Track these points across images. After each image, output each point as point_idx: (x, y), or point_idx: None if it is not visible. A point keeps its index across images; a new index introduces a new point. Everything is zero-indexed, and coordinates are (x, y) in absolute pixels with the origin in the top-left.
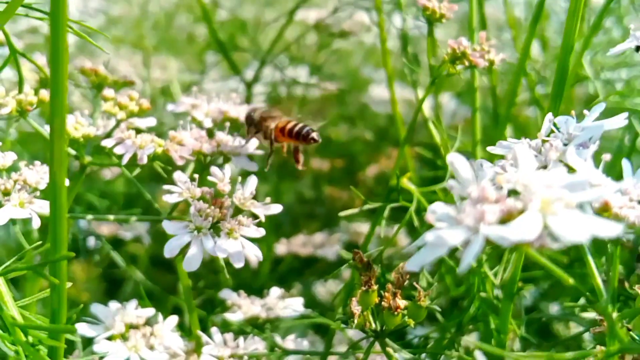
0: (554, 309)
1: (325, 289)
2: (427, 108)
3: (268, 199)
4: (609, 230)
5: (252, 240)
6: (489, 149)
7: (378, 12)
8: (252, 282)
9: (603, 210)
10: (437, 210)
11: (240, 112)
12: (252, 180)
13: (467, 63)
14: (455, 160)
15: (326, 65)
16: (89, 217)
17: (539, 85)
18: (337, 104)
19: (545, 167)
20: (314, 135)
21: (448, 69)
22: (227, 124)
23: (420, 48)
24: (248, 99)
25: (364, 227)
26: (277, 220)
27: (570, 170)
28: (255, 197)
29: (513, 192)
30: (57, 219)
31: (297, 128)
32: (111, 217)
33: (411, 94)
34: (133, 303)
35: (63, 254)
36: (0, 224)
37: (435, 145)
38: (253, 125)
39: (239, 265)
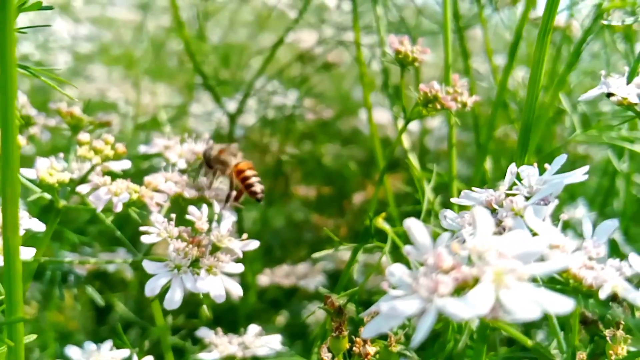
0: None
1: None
2: (414, 132)
3: (244, 235)
4: (561, 306)
5: (233, 275)
6: (453, 200)
7: (357, 47)
8: (235, 312)
9: (562, 271)
10: (394, 273)
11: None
12: (229, 218)
13: (439, 106)
14: (412, 225)
15: (317, 88)
16: (68, 259)
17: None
18: (328, 127)
19: (503, 222)
20: (259, 195)
21: (421, 111)
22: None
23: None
24: (231, 133)
25: (347, 255)
26: (266, 245)
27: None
28: (241, 225)
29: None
30: (12, 282)
31: (248, 181)
32: (92, 259)
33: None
34: (107, 344)
35: (18, 317)
36: None
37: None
38: (211, 164)
39: (220, 301)
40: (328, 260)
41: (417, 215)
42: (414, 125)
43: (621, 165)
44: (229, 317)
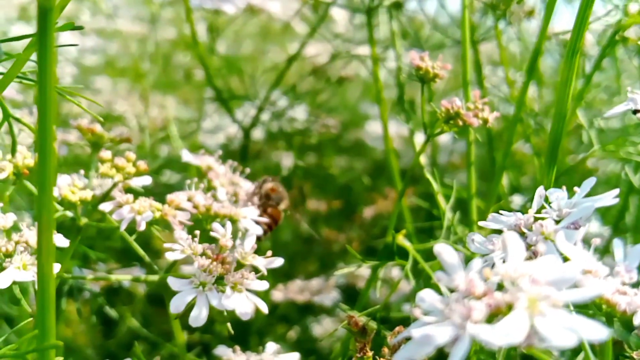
0: None
1: (322, 328)
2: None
3: (269, 252)
4: (597, 333)
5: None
6: (481, 223)
7: (373, 62)
8: (245, 327)
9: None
10: (425, 299)
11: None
12: (252, 234)
13: (461, 123)
14: (442, 250)
15: (326, 100)
16: (90, 277)
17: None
18: (336, 140)
19: (534, 247)
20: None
21: (442, 128)
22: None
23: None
24: (245, 147)
25: (361, 270)
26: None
27: (562, 254)
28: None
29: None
30: (45, 308)
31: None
32: (112, 277)
33: (406, 130)
34: None
35: (51, 343)
36: (2, 287)
37: (429, 192)
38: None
39: (246, 318)
40: (340, 276)
41: (433, 231)
42: (422, 138)
43: (636, 180)
44: (240, 332)
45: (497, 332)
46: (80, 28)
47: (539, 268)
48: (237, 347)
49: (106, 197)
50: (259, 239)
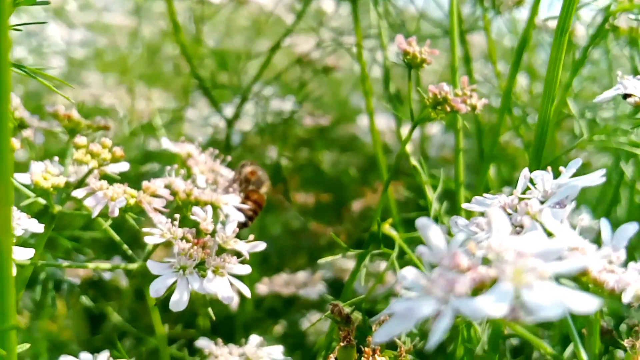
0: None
1: (309, 322)
2: (414, 138)
3: (251, 237)
4: (586, 305)
5: (238, 277)
6: (464, 205)
7: (358, 49)
8: (232, 321)
9: (581, 275)
10: (407, 276)
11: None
12: (234, 220)
13: (448, 109)
14: (425, 225)
15: (314, 94)
16: (65, 264)
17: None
18: (326, 134)
19: (520, 226)
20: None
21: (429, 114)
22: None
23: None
24: (228, 138)
25: (348, 264)
26: (263, 252)
27: (547, 231)
28: (237, 234)
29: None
30: (3, 287)
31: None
32: (90, 265)
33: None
34: (104, 355)
35: (10, 324)
36: None
37: (418, 185)
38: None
39: (228, 302)
40: (327, 269)
41: None
42: (413, 132)
43: (629, 171)
44: (226, 327)
45: (481, 304)
46: (45, 3)
47: (524, 241)
48: (220, 340)
49: (81, 183)
50: (245, 225)
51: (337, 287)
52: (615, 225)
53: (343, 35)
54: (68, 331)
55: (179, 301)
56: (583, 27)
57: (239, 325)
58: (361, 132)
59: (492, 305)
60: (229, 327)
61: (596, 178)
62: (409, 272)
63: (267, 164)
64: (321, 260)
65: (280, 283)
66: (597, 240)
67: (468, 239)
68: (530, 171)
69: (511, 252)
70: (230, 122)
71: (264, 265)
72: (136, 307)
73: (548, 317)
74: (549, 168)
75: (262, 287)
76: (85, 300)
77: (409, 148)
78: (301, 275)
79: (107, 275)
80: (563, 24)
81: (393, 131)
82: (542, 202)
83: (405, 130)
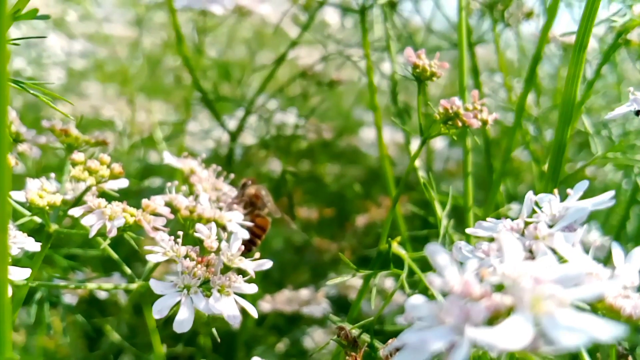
0: None
1: (312, 339)
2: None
3: (257, 254)
4: (610, 332)
5: (243, 296)
6: (468, 231)
7: (367, 60)
8: (233, 338)
9: (597, 301)
10: (416, 305)
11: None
12: (239, 238)
13: (460, 123)
14: (434, 251)
15: (319, 108)
16: (62, 284)
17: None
18: (329, 147)
19: (529, 251)
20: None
21: (440, 129)
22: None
23: (414, 91)
24: (231, 151)
25: (354, 280)
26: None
27: (557, 255)
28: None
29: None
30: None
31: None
32: (89, 285)
33: (402, 137)
34: None
35: (5, 357)
36: None
37: (424, 199)
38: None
39: (233, 322)
40: (331, 286)
41: (429, 239)
42: (418, 144)
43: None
44: (227, 344)
45: (501, 335)
46: (46, 17)
47: (540, 267)
48: None
49: (78, 201)
50: (249, 250)
51: (341, 304)
52: (625, 241)
53: (348, 48)
54: (65, 348)
55: (184, 322)
56: (594, 40)
57: (241, 343)
58: (364, 144)
59: (512, 336)
60: (230, 345)
61: (605, 200)
62: (417, 300)
63: (271, 178)
64: (329, 282)
65: (282, 300)
66: (608, 259)
67: (479, 265)
68: (548, 191)
69: (527, 278)
70: (233, 136)
71: (265, 280)
72: (135, 323)
73: (571, 346)
74: (556, 191)
75: (265, 305)
76: (80, 318)
77: (415, 162)
78: (304, 293)
79: (103, 295)
80: (582, 40)
81: (397, 144)
82: (550, 226)
83: (413, 145)
